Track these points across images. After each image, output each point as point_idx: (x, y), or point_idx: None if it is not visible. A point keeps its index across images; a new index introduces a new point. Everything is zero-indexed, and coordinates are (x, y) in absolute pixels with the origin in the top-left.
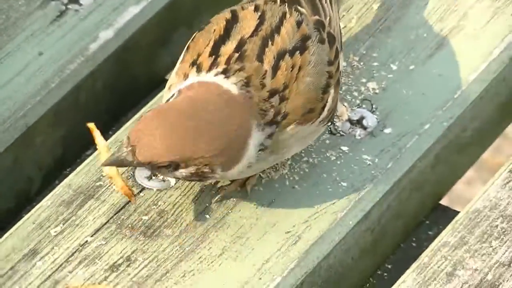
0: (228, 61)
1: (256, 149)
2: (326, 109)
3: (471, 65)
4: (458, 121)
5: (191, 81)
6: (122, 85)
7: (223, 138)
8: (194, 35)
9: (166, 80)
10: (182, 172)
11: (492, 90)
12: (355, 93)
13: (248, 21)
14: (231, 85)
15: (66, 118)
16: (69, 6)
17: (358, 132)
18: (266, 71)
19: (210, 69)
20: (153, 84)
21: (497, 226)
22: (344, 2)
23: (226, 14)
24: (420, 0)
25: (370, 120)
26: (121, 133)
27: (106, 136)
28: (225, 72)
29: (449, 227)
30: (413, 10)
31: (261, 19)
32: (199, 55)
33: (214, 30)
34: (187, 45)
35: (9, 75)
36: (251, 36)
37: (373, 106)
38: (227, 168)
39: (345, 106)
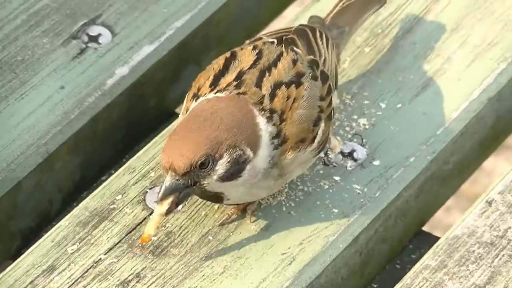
0: (227, 86)
1: (269, 138)
2: (316, 140)
3: (453, 104)
4: (440, 155)
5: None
6: (135, 116)
7: (236, 123)
8: (198, 75)
9: (176, 113)
10: (222, 164)
11: (472, 128)
12: (347, 128)
13: (246, 57)
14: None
15: (84, 146)
16: (89, 45)
17: (349, 163)
18: (264, 95)
19: (209, 92)
20: (164, 116)
21: (474, 251)
22: (344, 47)
23: (226, 54)
24: (407, 45)
25: (360, 153)
26: (134, 161)
27: (119, 163)
28: (224, 91)
29: (430, 251)
30: (401, 54)
31: (259, 55)
32: (199, 89)
33: (214, 68)
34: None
35: (33, 106)
36: (250, 68)
37: (363, 140)
38: (254, 149)
39: (338, 140)
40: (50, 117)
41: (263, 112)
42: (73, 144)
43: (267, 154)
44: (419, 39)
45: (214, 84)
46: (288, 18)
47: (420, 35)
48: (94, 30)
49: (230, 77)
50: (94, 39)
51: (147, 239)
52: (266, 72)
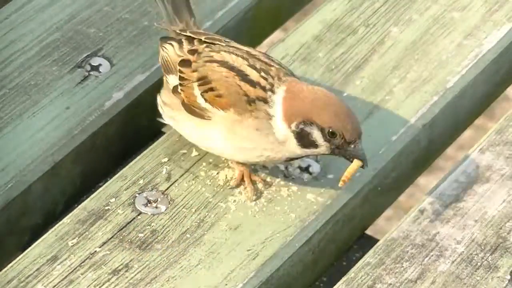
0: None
1: None
2: None
3: (394, 129)
4: (381, 171)
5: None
6: (128, 133)
7: None
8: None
9: (163, 132)
10: None
11: (408, 149)
12: None
13: None
14: None
15: (85, 157)
16: (91, 73)
17: (306, 176)
18: None
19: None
20: (153, 134)
21: (407, 251)
22: None
23: None
24: (357, 79)
25: (315, 168)
26: (126, 170)
27: (114, 171)
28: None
29: (371, 251)
30: (351, 87)
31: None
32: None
33: None
34: None
35: (43, 123)
36: None
37: (318, 157)
38: None
39: None
40: (57, 133)
41: None
42: (76, 155)
43: None
44: (366, 74)
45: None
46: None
47: (367, 71)
48: (95, 61)
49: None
50: (96, 68)
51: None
52: None
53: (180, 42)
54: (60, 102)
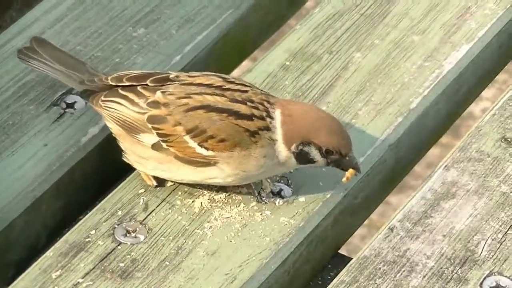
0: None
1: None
2: None
3: (361, 150)
4: (351, 192)
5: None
6: (105, 167)
7: None
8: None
9: None
10: None
11: (376, 169)
12: None
13: None
14: None
15: (64, 192)
16: (67, 110)
17: (278, 200)
18: None
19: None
20: (128, 167)
21: (380, 268)
22: None
23: None
24: (323, 104)
25: (287, 192)
26: (104, 203)
27: (93, 204)
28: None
29: (345, 269)
30: None
31: None
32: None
33: None
34: None
35: (22, 160)
36: None
37: (289, 181)
38: None
39: (268, 182)
40: (36, 169)
41: None
42: (55, 190)
43: None
44: (332, 100)
45: None
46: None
47: (332, 96)
48: (70, 99)
49: None
50: (71, 105)
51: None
52: None
53: (124, 97)
54: (38, 139)
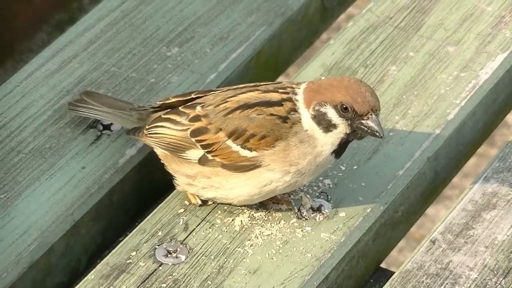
0: None
1: None
2: None
3: (399, 164)
4: (391, 206)
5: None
6: (143, 188)
7: None
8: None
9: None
10: None
11: (415, 182)
12: (315, 188)
13: None
14: None
15: (103, 214)
16: (103, 132)
17: (318, 216)
18: None
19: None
20: (167, 187)
21: (423, 281)
22: None
23: None
24: None
25: (327, 207)
26: (144, 224)
27: (133, 226)
28: None
29: (388, 283)
30: None
31: None
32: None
33: None
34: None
35: (60, 184)
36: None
37: (329, 197)
38: None
39: (308, 198)
40: (74, 192)
41: None
42: (95, 213)
43: None
44: None
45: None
46: None
47: None
48: (107, 121)
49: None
50: (107, 127)
51: None
52: None
53: (167, 120)
54: (75, 162)
